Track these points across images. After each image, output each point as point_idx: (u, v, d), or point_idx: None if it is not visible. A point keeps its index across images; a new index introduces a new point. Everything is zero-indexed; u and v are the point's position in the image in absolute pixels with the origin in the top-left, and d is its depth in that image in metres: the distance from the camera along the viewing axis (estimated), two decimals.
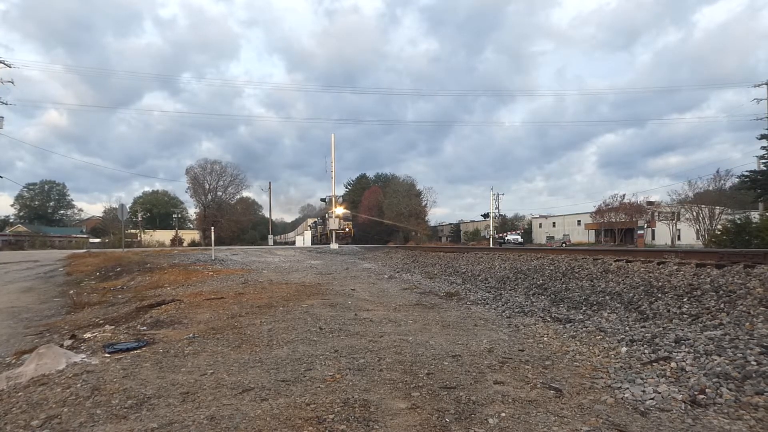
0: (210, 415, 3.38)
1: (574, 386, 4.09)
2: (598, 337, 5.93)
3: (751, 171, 37.29)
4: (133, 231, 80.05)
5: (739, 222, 28.03)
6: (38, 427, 3.27)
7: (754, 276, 7.24)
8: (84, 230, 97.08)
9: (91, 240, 74.76)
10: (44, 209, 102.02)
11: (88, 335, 6.37)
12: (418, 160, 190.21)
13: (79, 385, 4.11)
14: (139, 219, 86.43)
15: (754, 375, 4.02)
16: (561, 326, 6.77)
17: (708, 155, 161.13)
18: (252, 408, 3.52)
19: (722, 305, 6.58)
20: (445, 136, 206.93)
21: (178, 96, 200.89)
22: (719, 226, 38.79)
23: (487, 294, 10.59)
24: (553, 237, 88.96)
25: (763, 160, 36.47)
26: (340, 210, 60.18)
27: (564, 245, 62.07)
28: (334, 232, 49.64)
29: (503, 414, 3.43)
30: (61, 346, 5.67)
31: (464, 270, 15.54)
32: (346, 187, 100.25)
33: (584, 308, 8.18)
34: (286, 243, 74.65)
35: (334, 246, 40.36)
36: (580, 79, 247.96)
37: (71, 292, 13.24)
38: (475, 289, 11.68)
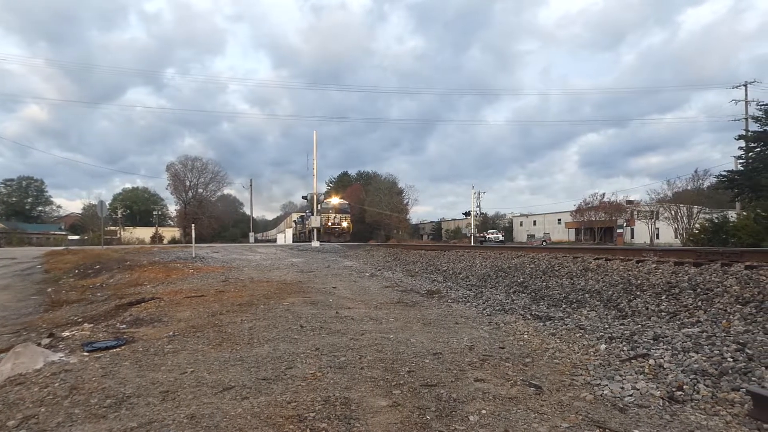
0: (190, 414, 3.35)
1: (554, 383, 4.12)
2: (578, 335, 5.98)
3: (728, 171, 37.72)
4: (112, 228, 79.21)
5: (716, 221, 28.39)
6: (14, 427, 3.22)
7: (731, 274, 7.36)
8: (62, 227, 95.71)
9: (69, 237, 73.78)
10: (22, 206, 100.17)
11: (66, 333, 6.29)
12: (401, 158, 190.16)
13: (56, 384, 4.06)
14: (119, 216, 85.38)
15: (730, 371, 4.09)
16: (541, 324, 6.82)
17: (688, 155, 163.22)
18: (233, 406, 3.50)
19: (700, 303, 6.68)
20: (429, 135, 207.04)
21: (161, 91, 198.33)
22: (697, 225, 39.30)
23: (468, 292, 10.63)
24: (533, 235, 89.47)
25: (741, 161, 36.97)
26: (336, 200, 54.87)
27: (544, 243, 62.50)
28: (321, 229, 46.57)
29: (484, 411, 3.45)
30: (39, 344, 5.59)
31: (445, 268, 15.59)
32: (328, 185, 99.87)
33: (564, 306, 8.26)
34: (267, 240, 74.14)
35: (315, 244, 38.71)
36: (565, 79, 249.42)
37: (49, 289, 13.07)
38: (456, 287, 11.73)
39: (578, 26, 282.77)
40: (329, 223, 49.85)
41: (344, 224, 51.78)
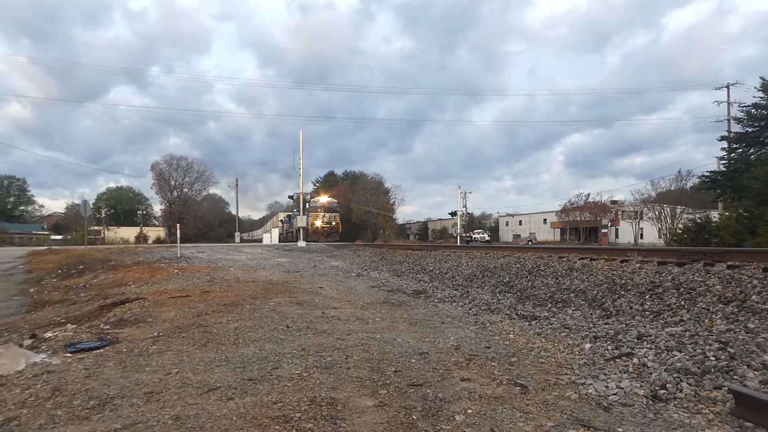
0: (175, 415, 3.33)
1: (540, 382, 4.14)
2: (563, 334, 6.01)
3: (711, 171, 38.11)
4: (96, 228, 78.55)
5: (699, 221, 28.73)
6: None
7: (714, 274, 7.43)
8: (45, 227, 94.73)
9: (52, 237, 73.14)
10: (3, 205, 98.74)
11: (49, 334, 6.23)
12: (388, 157, 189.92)
13: (39, 385, 4.02)
14: (103, 215, 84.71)
15: (712, 370, 4.13)
16: (527, 323, 6.85)
17: (671, 156, 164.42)
18: (218, 407, 3.49)
19: (683, 302, 6.74)
20: (415, 135, 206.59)
21: (146, 90, 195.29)
22: (680, 225, 39.66)
23: (454, 292, 10.66)
24: (519, 235, 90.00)
25: (723, 161, 37.39)
26: (324, 198, 52.50)
27: (530, 243, 62.81)
28: (309, 228, 45.18)
29: (470, 410, 3.46)
30: (21, 345, 5.54)
31: (432, 268, 15.61)
32: (315, 185, 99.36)
33: (549, 305, 8.30)
34: (253, 240, 73.75)
35: (301, 244, 37.95)
36: (551, 80, 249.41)
37: (31, 290, 12.93)
38: (442, 286, 11.75)
39: (564, 27, 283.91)
40: (318, 223, 48.02)
41: (333, 223, 49.64)
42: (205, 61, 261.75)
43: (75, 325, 6.90)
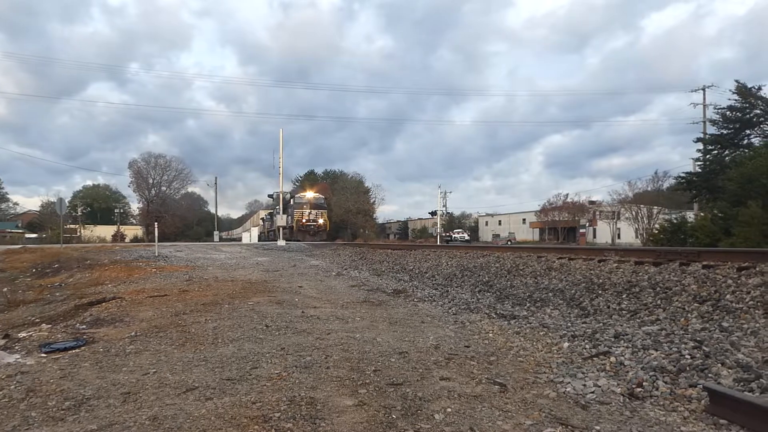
0: (152, 416, 3.29)
1: (518, 381, 4.16)
2: (542, 333, 6.05)
3: (687, 172, 38.54)
4: (72, 226, 77.35)
5: (675, 221, 29.09)
6: None
7: (689, 273, 7.54)
8: (19, 225, 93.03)
9: (27, 235, 71.92)
10: None
11: (23, 334, 6.13)
12: (369, 157, 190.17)
13: (12, 386, 3.95)
14: (79, 214, 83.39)
15: (688, 368, 4.18)
16: (506, 322, 6.88)
17: (649, 157, 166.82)
18: (196, 407, 3.46)
19: (659, 301, 6.84)
20: (396, 134, 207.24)
21: (125, 87, 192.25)
22: (657, 226, 40.19)
23: (434, 291, 10.68)
24: (498, 235, 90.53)
25: (699, 163, 37.88)
26: (310, 194, 48.78)
27: (509, 243, 63.16)
28: (294, 226, 43.52)
29: (449, 409, 3.46)
30: None
31: (411, 267, 15.64)
32: (294, 184, 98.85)
33: (528, 305, 8.36)
34: (232, 239, 73.24)
35: (281, 243, 36.86)
36: (531, 80, 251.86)
37: (5, 289, 12.70)
38: (422, 286, 11.77)
39: (545, 28, 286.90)
40: (303, 220, 44.60)
41: (320, 221, 45.58)
42: (185, 58, 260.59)
43: (50, 325, 6.79)
